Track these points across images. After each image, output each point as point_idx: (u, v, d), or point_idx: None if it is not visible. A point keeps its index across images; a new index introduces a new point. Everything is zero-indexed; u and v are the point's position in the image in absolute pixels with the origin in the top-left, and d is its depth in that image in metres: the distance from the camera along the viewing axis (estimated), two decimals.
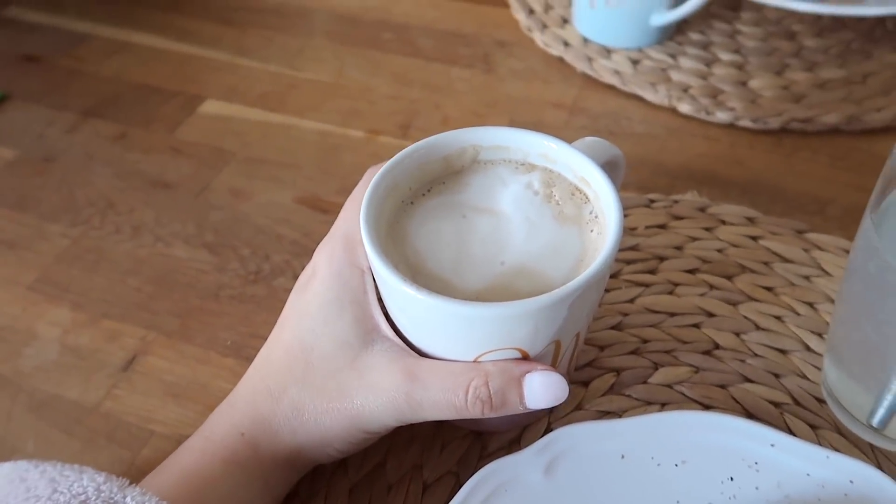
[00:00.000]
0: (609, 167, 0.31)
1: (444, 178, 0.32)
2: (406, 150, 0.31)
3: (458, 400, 0.27)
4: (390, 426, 0.29)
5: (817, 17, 0.59)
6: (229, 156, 0.51)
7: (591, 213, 0.31)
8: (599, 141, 0.33)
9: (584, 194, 0.31)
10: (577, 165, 0.31)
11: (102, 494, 0.26)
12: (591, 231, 0.30)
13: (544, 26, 0.59)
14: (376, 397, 0.28)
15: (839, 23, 0.58)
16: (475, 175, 0.32)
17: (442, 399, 0.27)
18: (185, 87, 0.57)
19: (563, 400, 0.27)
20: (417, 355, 0.28)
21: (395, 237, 0.30)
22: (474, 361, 0.28)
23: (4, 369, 0.39)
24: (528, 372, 0.27)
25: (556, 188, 0.31)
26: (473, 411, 0.27)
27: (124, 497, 0.26)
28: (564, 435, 0.30)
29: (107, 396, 0.37)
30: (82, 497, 0.25)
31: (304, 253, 0.44)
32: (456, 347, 0.28)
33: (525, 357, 0.28)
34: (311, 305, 0.30)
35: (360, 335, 0.28)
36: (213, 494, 0.28)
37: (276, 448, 0.29)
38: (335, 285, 0.29)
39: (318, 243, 0.45)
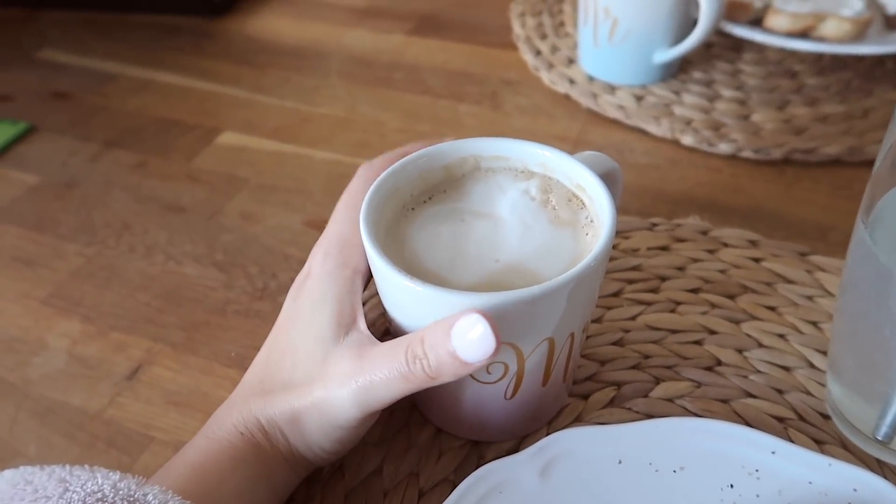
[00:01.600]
0: (607, 180, 0.32)
1: (445, 185, 0.33)
2: (408, 157, 0.33)
3: (401, 365, 0.26)
4: (357, 416, 0.28)
5: (818, 57, 0.60)
6: (242, 183, 0.52)
7: (586, 217, 0.31)
8: (597, 154, 0.34)
9: (581, 200, 0.32)
10: (574, 173, 0.32)
11: (120, 492, 0.25)
12: (587, 234, 0.31)
13: (551, 66, 0.61)
14: (334, 386, 0.28)
15: (839, 62, 0.60)
16: (475, 183, 0.33)
17: (389, 372, 0.27)
18: (204, 120, 0.59)
19: (492, 344, 0.25)
20: (377, 342, 0.29)
21: (394, 239, 0.31)
22: None
23: (12, 377, 0.39)
24: (454, 322, 0.25)
25: (552, 194, 0.32)
26: (416, 374, 0.26)
27: (145, 495, 0.25)
28: (561, 439, 0.30)
29: (110, 404, 0.38)
30: (98, 495, 0.25)
31: None
32: None
33: (519, 356, 0.29)
34: (302, 307, 0.31)
35: (335, 330, 0.29)
36: (224, 490, 0.28)
37: (274, 448, 0.29)
38: (324, 284, 0.30)
39: None
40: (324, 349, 0.29)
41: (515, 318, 0.27)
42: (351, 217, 0.33)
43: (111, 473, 0.26)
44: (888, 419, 0.31)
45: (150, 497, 0.25)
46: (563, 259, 0.29)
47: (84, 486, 0.25)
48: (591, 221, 0.31)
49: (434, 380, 0.27)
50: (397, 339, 0.28)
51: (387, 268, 0.27)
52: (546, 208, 0.32)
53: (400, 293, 0.28)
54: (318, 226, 0.48)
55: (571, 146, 0.54)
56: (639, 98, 0.57)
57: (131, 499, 0.25)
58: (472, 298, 0.26)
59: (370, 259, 0.29)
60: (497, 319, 0.27)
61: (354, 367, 0.27)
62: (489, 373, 0.29)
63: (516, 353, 0.28)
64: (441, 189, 0.33)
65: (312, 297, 0.30)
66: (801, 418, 0.34)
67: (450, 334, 0.25)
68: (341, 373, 0.28)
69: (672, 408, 0.35)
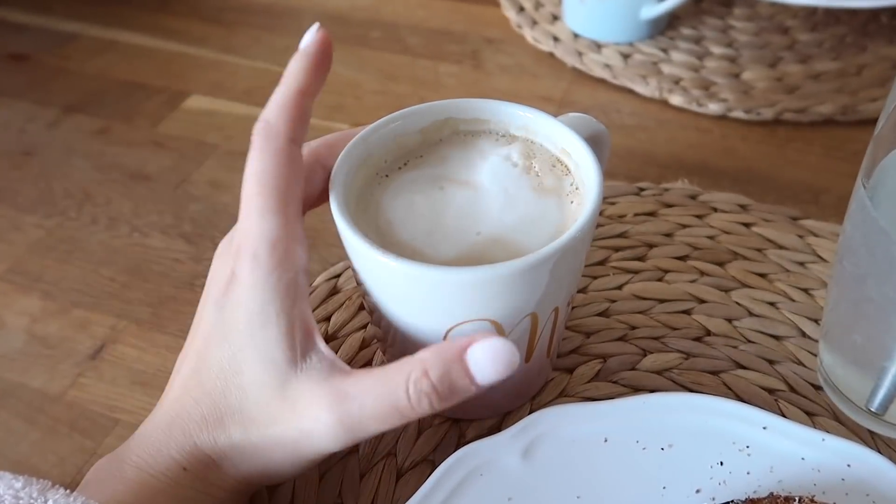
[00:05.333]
0: (593, 143, 0.30)
1: (422, 150, 0.31)
2: (380, 120, 0.30)
3: (402, 403, 0.24)
4: (336, 450, 0.26)
5: (811, 13, 0.58)
6: (211, 149, 0.50)
7: (571, 184, 0.29)
8: (583, 116, 0.32)
9: (565, 166, 0.30)
10: (559, 137, 0.30)
11: (21, 501, 0.23)
12: (572, 202, 0.29)
13: (534, 23, 0.59)
14: (312, 428, 0.25)
15: (833, 17, 0.58)
16: (454, 148, 0.31)
17: (383, 409, 0.24)
18: (170, 83, 0.56)
19: (515, 365, 0.24)
20: (347, 369, 0.25)
21: (366, 208, 0.29)
22: (445, 336, 0.27)
23: None
24: (468, 346, 0.24)
25: (535, 159, 0.30)
26: (421, 409, 0.24)
27: (45, 500, 0.23)
28: (544, 417, 0.29)
29: (72, 385, 0.36)
30: None
31: None
32: (426, 319, 0.26)
33: (501, 334, 0.27)
34: (235, 321, 0.25)
35: (287, 353, 0.25)
36: None
37: (223, 481, 0.26)
38: (260, 294, 0.25)
39: None
40: (279, 378, 0.25)
41: (496, 294, 0.25)
42: (269, 206, 0.25)
43: (14, 480, 0.24)
44: (883, 390, 0.30)
45: (49, 503, 0.23)
46: (547, 229, 0.27)
47: None
48: (577, 189, 0.29)
49: (437, 409, 0.24)
50: (387, 368, 0.24)
51: (358, 241, 0.25)
52: (529, 175, 0.30)
53: (373, 268, 0.26)
54: None
55: (556, 107, 0.52)
56: (626, 56, 0.54)
57: None
58: (451, 273, 0.24)
59: (340, 231, 0.27)
60: (474, 294, 0.25)
61: (335, 410, 0.24)
62: None
63: (497, 329, 0.27)
64: (417, 154, 0.31)
65: (248, 309, 0.25)
66: (793, 389, 0.33)
67: (465, 360, 0.23)
68: (318, 415, 0.24)
69: (660, 381, 0.34)
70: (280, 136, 0.26)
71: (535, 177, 0.30)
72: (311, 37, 0.28)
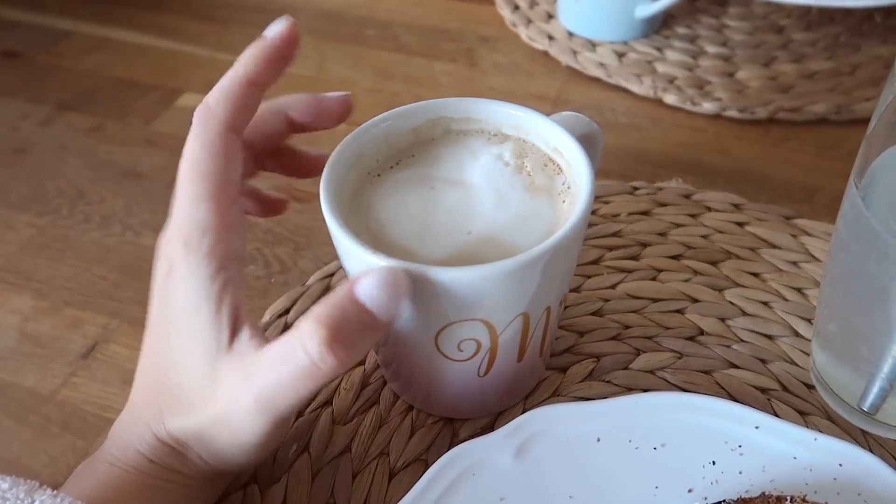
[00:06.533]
0: (585, 142, 0.30)
1: (414, 149, 0.31)
2: (372, 120, 0.30)
3: (305, 364, 0.23)
4: (265, 428, 0.25)
5: (805, 12, 0.58)
6: None
7: (563, 183, 0.29)
8: (576, 115, 0.32)
9: (557, 165, 0.30)
10: (551, 136, 0.30)
11: (7, 502, 0.24)
12: (563, 202, 0.29)
13: (529, 21, 0.59)
14: (233, 409, 0.24)
15: (827, 17, 0.58)
16: (446, 147, 0.31)
17: (290, 376, 0.23)
18: (164, 81, 0.56)
19: (404, 283, 0.24)
20: (260, 346, 0.25)
21: (357, 208, 0.29)
22: (437, 336, 0.27)
23: None
24: (354, 285, 0.24)
25: (528, 159, 0.30)
26: (328, 365, 0.23)
27: (32, 501, 0.23)
28: (537, 417, 0.29)
29: (64, 384, 0.36)
30: None
31: (277, 241, 0.43)
32: (417, 319, 0.26)
33: (493, 334, 0.27)
34: (174, 312, 0.25)
35: (217, 337, 0.25)
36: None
37: (188, 468, 0.27)
38: (193, 283, 0.25)
39: (291, 232, 0.44)
40: (210, 362, 0.25)
41: (487, 294, 0.25)
42: (202, 193, 0.25)
43: (2, 481, 0.24)
44: (875, 389, 0.30)
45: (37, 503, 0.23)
46: (539, 229, 0.27)
47: None
48: (569, 188, 0.29)
49: (346, 366, 0.24)
50: (286, 334, 0.24)
51: (349, 241, 0.25)
52: (521, 174, 0.30)
53: (364, 268, 0.26)
54: (285, 192, 0.46)
55: (551, 105, 0.52)
56: (620, 55, 0.54)
57: None
58: (441, 274, 0.24)
59: (331, 231, 0.27)
60: (465, 294, 0.25)
61: (246, 388, 0.24)
62: (461, 350, 0.28)
63: (489, 329, 0.27)
64: (409, 154, 0.31)
65: (182, 297, 0.25)
66: (786, 389, 0.33)
67: (357, 297, 0.23)
68: (234, 386, 0.24)
69: (653, 380, 0.34)
70: (218, 122, 0.26)
71: (527, 176, 0.30)
72: (277, 28, 0.27)
